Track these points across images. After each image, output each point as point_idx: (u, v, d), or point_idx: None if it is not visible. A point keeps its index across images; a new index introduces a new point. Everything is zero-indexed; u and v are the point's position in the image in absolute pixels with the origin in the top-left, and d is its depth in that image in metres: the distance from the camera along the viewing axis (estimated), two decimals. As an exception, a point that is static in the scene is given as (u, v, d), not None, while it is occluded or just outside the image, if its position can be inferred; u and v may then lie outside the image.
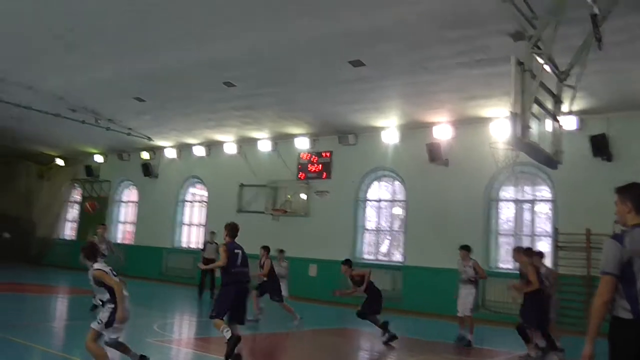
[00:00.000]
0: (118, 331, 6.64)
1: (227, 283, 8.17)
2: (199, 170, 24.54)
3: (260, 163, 22.13)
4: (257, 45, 13.58)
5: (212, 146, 23.79)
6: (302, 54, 13.89)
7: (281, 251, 15.00)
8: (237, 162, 22.86)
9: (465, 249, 11.49)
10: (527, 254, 10.47)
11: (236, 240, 8.64)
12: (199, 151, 24.00)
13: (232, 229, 8.68)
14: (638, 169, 13.23)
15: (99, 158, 28.14)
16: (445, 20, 11.36)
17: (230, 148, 22.96)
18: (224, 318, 7.97)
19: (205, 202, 24.60)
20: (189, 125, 21.79)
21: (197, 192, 25.56)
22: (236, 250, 8.42)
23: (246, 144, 22.62)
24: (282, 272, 14.23)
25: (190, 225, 25.29)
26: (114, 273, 6.77)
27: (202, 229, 23.94)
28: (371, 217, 20.27)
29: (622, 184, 4.22)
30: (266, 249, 13.71)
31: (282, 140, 21.62)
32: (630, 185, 4.04)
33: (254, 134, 21.81)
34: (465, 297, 11.25)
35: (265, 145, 21.96)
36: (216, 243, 18.27)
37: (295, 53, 13.84)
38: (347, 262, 11.85)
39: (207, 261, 17.86)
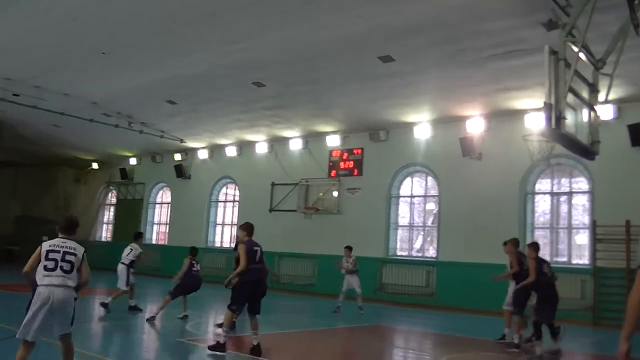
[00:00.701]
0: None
1: (245, 279, 8.44)
2: (231, 170, 24.70)
3: (292, 162, 22.17)
4: (285, 44, 13.60)
5: (244, 146, 23.91)
6: (332, 52, 13.84)
7: (348, 248, 15.23)
8: (269, 161, 22.94)
9: (507, 243, 11.00)
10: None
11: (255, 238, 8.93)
12: (231, 151, 24.16)
13: (249, 228, 8.90)
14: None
15: (133, 161, 28.62)
16: (477, 13, 11.18)
17: (262, 147, 23.06)
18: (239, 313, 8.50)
19: (237, 201, 24.74)
20: (221, 126, 21.95)
21: (230, 192, 25.73)
22: (254, 248, 8.73)
23: (277, 143, 22.67)
24: (350, 268, 14.99)
25: (223, 225, 25.47)
26: (59, 250, 5.54)
27: (234, 229, 24.07)
28: (404, 213, 20.12)
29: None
30: None
31: (313, 139, 21.61)
32: None
33: (285, 133, 21.84)
34: (509, 293, 10.89)
35: (296, 144, 21.98)
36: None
37: (325, 51, 13.80)
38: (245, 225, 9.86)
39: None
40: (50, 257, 5.49)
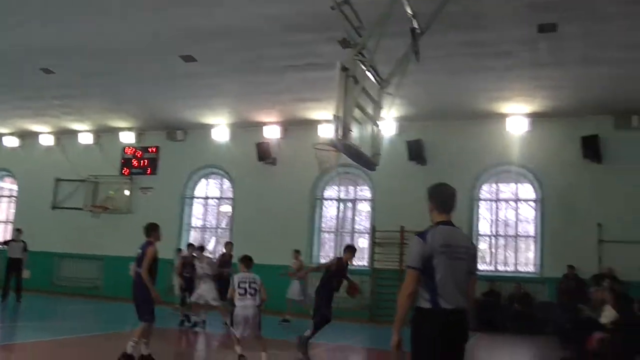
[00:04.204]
0: None
1: None
2: (8, 162, 22.39)
3: (80, 157, 20.80)
4: (80, 32, 12.72)
5: (26, 137, 21.88)
6: (131, 44, 13.26)
7: (201, 248, 14.26)
8: (54, 155, 21.28)
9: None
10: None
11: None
12: (10, 142, 21.99)
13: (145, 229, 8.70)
14: (447, 172, 14.56)
15: None
16: (280, 23, 11.56)
17: (47, 140, 21.32)
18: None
19: (14, 197, 22.54)
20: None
21: (6, 186, 23.34)
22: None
23: (65, 135, 21.15)
24: (201, 272, 13.11)
25: (-5, 222, 23.02)
26: None
27: (10, 226, 21.90)
28: (198, 215, 20.03)
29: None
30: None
31: (105, 134, 20.54)
32: (433, 185, 4.41)
33: (75, 126, 20.46)
34: None
35: (86, 138, 20.71)
36: (22, 242, 16.74)
37: (124, 42, 13.17)
38: None
39: (12, 261, 16.36)
40: None
